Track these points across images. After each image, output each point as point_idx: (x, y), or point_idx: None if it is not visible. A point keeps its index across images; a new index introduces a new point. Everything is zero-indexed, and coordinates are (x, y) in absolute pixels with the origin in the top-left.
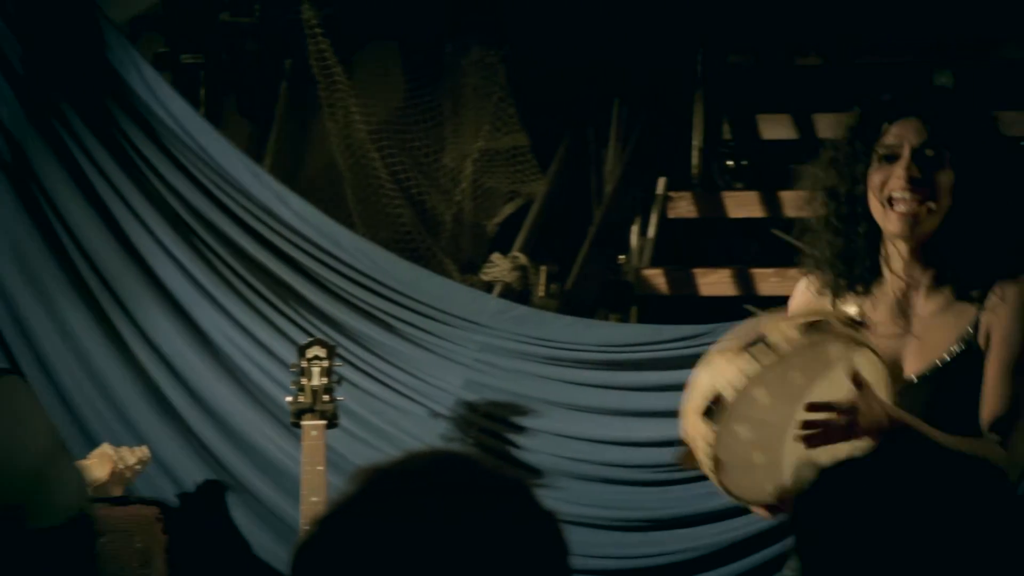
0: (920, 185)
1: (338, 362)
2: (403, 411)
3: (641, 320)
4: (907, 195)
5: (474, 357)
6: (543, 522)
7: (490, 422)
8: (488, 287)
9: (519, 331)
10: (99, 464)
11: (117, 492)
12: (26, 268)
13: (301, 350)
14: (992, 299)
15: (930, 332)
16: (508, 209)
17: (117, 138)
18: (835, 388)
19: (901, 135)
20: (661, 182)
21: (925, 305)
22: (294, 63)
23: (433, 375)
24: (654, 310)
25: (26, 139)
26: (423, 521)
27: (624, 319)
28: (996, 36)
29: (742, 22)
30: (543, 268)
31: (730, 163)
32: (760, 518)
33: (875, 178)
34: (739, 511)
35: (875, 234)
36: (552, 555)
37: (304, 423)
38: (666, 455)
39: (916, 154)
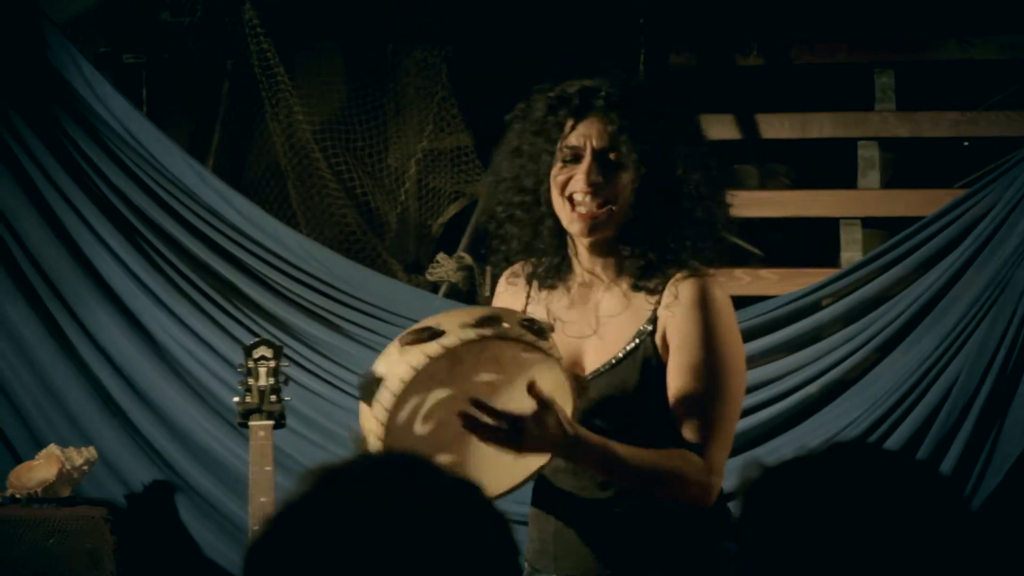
0: (601, 188)
1: (285, 362)
2: (350, 411)
3: None
4: (587, 199)
5: None
6: (492, 523)
7: None
8: (434, 287)
9: None
10: (46, 465)
11: (65, 493)
12: None
13: (247, 350)
14: (667, 296)
15: (609, 330)
16: (453, 209)
17: (60, 138)
18: (517, 393)
19: (585, 135)
20: None
21: (606, 302)
22: (236, 63)
23: None
24: None
25: None
26: (373, 521)
27: None
28: (937, 35)
29: (684, 21)
30: (488, 268)
31: None
32: None
33: (559, 176)
34: None
35: (561, 228)
36: (501, 556)
37: (252, 423)
38: None
39: (598, 156)
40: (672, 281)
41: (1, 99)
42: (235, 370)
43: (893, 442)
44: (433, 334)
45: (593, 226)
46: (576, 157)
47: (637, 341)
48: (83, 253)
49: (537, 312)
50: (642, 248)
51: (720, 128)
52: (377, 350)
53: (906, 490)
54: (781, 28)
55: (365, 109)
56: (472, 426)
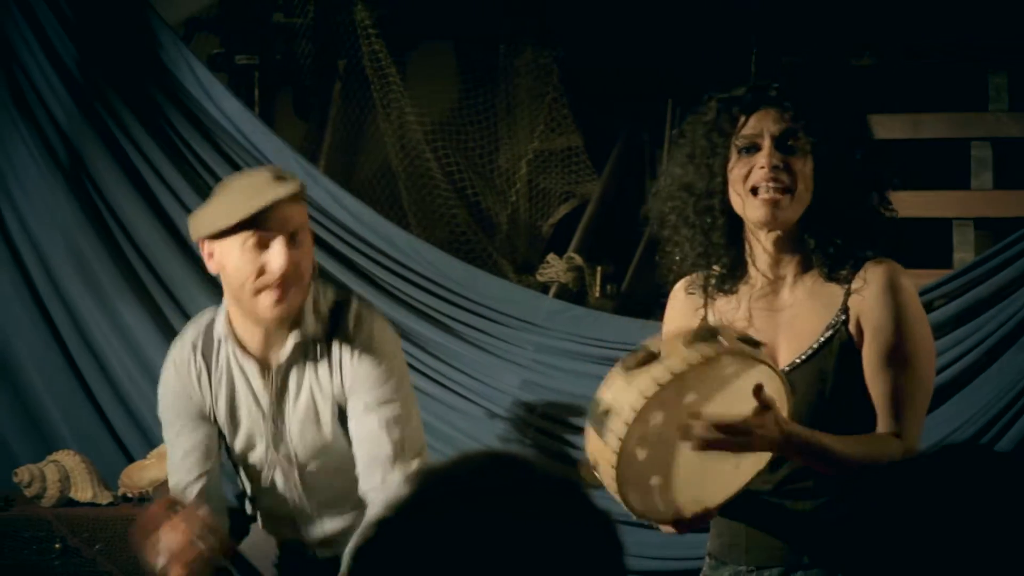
0: (782, 174)
1: None
2: (460, 412)
3: None
4: (771, 184)
5: (531, 358)
6: (598, 523)
7: (547, 422)
8: (544, 288)
9: (575, 332)
10: (157, 464)
11: None
12: (82, 267)
13: None
14: (857, 282)
15: (799, 323)
16: (563, 210)
17: (171, 138)
18: (731, 405)
19: (760, 125)
20: None
21: (792, 296)
22: (348, 64)
23: (490, 376)
24: None
25: (81, 140)
26: (478, 523)
27: None
28: None
29: (797, 22)
30: (598, 269)
31: None
32: None
33: (736, 171)
34: None
35: (736, 230)
36: (607, 556)
37: None
38: None
39: (777, 143)
40: (862, 269)
41: (115, 100)
42: None
43: (1005, 444)
44: (655, 357)
45: (777, 213)
46: (754, 146)
47: (831, 332)
48: (195, 254)
49: (717, 318)
50: (827, 236)
51: None
52: (487, 350)
53: (1018, 493)
54: (894, 30)
55: (476, 110)
56: (693, 439)
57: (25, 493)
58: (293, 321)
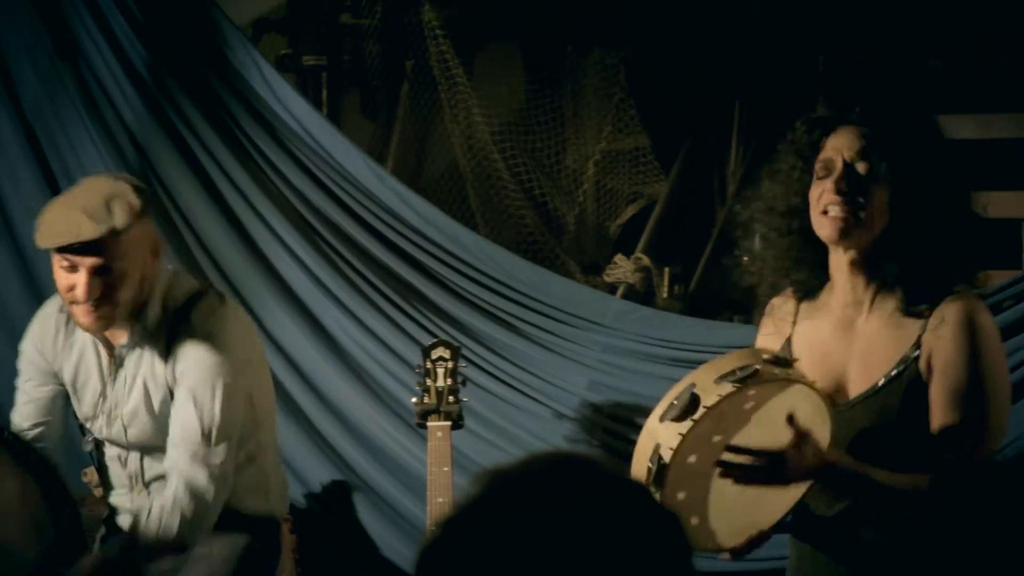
0: (850, 196)
1: (462, 363)
2: (527, 412)
3: None
4: (837, 207)
5: (598, 358)
6: (666, 523)
7: (614, 423)
8: (611, 288)
9: (643, 332)
10: None
11: None
12: None
13: (426, 351)
14: (934, 319)
15: (873, 353)
16: (631, 210)
17: (240, 139)
18: (767, 432)
19: (837, 147)
20: None
21: (868, 322)
22: (415, 64)
23: (557, 376)
24: None
25: (149, 141)
26: (546, 523)
27: (748, 321)
28: None
29: (863, 24)
30: (666, 269)
31: None
32: None
33: (813, 192)
34: None
35: (820, 248)
36: (675, 556)
37: (430, 424)
38: None
39: (848, 168)
40: (942, 304)
41: (183, 101)
42: (413, 371)
43: None
44: (693, 401)
45: (842, 230)
46: (828, 171)
47: (902, 367)
48: (263, 254)
49: (800, 337)
50: (905, 267)
51: None
52: (554, 351)
53: None
54: (963, 30)
55: (543, 110)
56: (731, 472)
57: (94, 493)
58: (137, 311)
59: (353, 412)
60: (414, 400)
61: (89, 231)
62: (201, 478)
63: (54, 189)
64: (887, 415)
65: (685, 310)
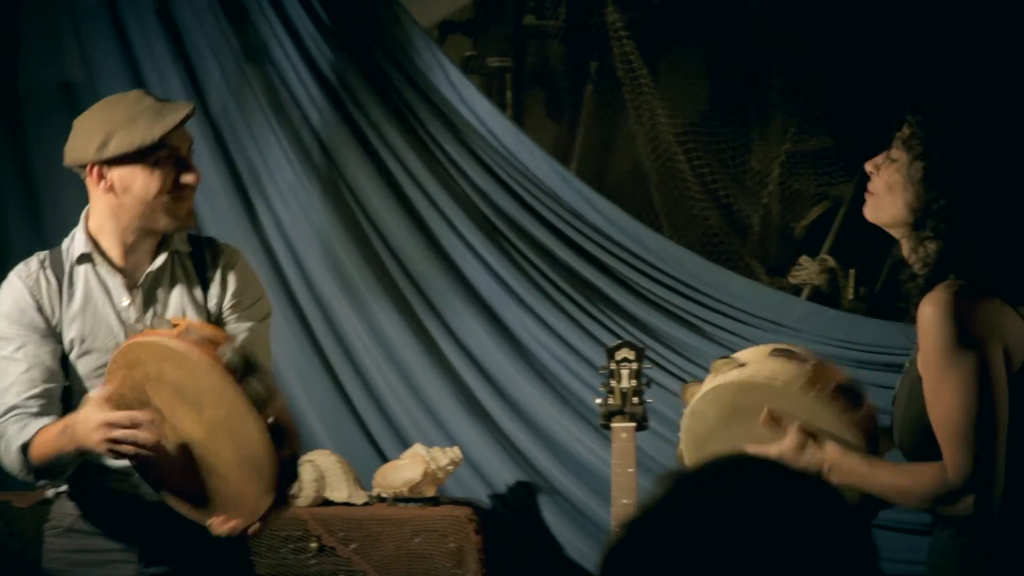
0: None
1: (647, 364)
2: None
3: None
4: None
5: None
6: (851, 525)
7: None
8: (796, 290)
9: (828, 334)
10: (412, 464)
11: (430, 492)
12: (337, 270)
13: (610, 352)
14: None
15: None
16: (816, 211)
17: (424, 140)
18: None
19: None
20: None
21: None
22: (599, 65)
23: None
24: None
25: (335, 142)
26: (730, 525)
27: None
28: None
29: None
30: (852, 271)
31: None
32: None
33: None
34: None
35: None
36: (861, 558)
37: (614, 425)
38: None
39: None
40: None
41: (368, 101)
42: (597, 372)
43: None
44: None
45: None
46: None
47: (907, 363)
48: (447, 255)
49: None
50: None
51: None
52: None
53: None
54: None
55: (728, 111)
56: None
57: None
58: (162, 237)
59: (537, 413)
60: (598, 401)
61: (186, 106)
62: None
63: (241, 192)
64: (900, 406)
65: (870, 312)
